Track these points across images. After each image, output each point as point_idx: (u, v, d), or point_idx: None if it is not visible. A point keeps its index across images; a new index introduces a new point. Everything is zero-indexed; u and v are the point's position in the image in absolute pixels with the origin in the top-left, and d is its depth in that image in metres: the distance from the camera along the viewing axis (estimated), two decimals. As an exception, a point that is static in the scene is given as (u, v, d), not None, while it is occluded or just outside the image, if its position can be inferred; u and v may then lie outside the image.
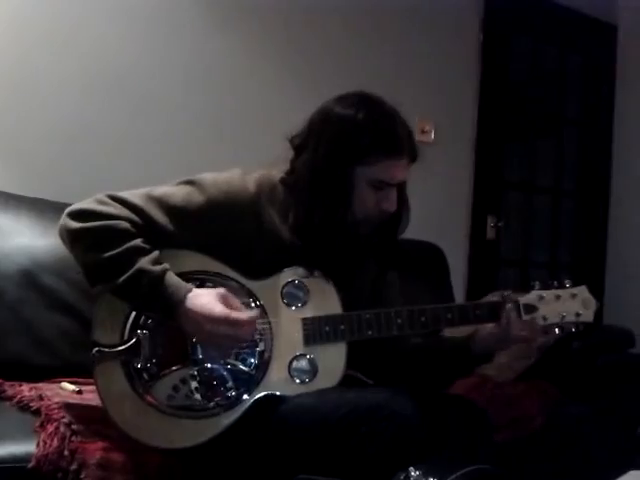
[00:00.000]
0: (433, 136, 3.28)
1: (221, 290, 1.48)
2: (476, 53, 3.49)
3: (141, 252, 1.46)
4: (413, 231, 2.90)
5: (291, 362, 1.53)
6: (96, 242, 1.45)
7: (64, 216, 1.50)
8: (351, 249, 1.62)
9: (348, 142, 1.54)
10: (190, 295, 1.46)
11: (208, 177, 1.57)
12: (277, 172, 1.65)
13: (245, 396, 1.50)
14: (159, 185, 1.58)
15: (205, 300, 1.45)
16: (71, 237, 1.48)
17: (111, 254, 1.44)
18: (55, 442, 1.41)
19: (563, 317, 1.62)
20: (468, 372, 1.81)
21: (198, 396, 1.48)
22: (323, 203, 1.55)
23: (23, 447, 1.40)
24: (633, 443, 2.52)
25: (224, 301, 1.46)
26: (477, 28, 3.48)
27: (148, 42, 2.61)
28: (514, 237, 3.83)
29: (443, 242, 3.07)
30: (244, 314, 1.47)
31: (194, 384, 1.49)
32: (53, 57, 2.42)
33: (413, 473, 1.31)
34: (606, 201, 3.95)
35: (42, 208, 2.14)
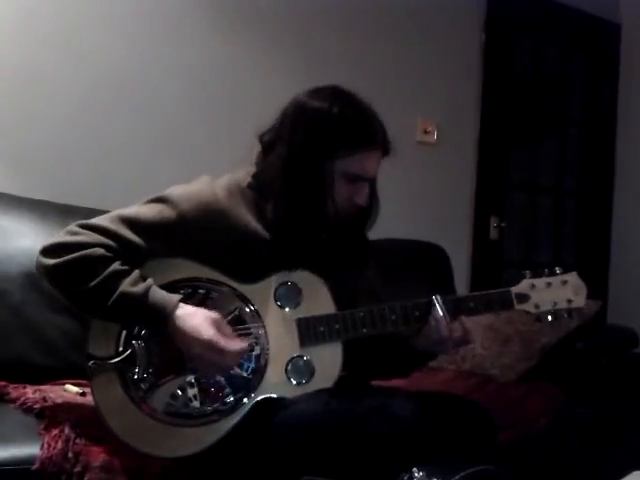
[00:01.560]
0: (436, 137, 3.27)
1: (215, 315, 1.47)
2: (479, 53, 3.48)
3: (121, 275, 1.45)
4: (416, 232, 2.94)
5: (288, 364, 1.53)
6: (75, 275, 1.45)
7: (38, 254, 1.49)
8: (327, 244, 1.62)
9: (323, 135, 1.54)
10: (179, 312, 1.45)
11: (178, 192, 1.55)
12: (244, 175, 1.63)
13: (244, 400, 1.49)
14: (132, 204, 1.56)
15: (196, 322, 1.44)
16: (49, 274, 1.47)
17: (92, 284, 1.43)
18: (59, 444, 1.41)
19: (555, 304, 1.63)
20: (415, 366, 1.81)
21: (196, 403, 1.48)
22: (300, 196, 1.55)
23: (27, 449, 1.41)
24: (637, 443, 2.52)
25: (216, 326, 1.45)
26: (479, 28, 3.47)
27: (152, 45, 2.61)
28: (517, 237, 3.82)
29: (446, 243, 3.06)
30: (232, 344, 1.46)
31: (192, 391, 1.48)
32: (57, 60, 2.43)
33: (417, 474, 1.31)
34: (609, 201, 3.94)
35: (45, 210, 2.14)
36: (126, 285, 1.44)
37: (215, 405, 1.48)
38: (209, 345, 1.43)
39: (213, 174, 1.63)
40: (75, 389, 1.83)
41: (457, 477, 1.33)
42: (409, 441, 1.39)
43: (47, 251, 1.47)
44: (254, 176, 1.62)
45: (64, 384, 1.87)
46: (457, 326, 1.57)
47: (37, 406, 1.60)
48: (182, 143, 2.66)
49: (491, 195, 3.55)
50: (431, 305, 1.57)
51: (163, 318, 1.44)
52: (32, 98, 2.39)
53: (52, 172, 2.41)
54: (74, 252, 1.45)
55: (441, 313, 1.56)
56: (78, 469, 1.39)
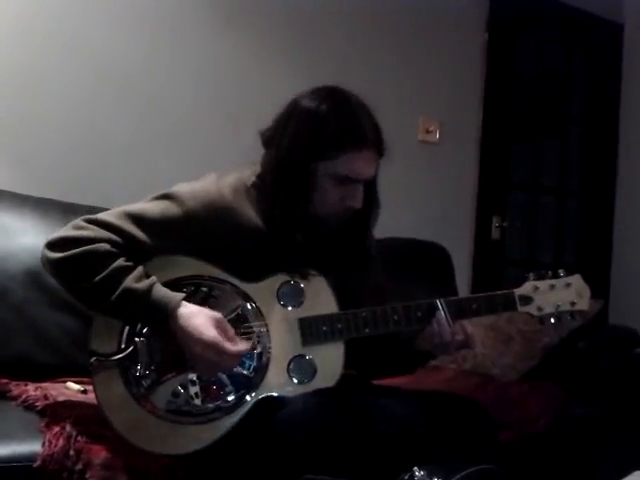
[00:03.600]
0: (438, 136, 3.27)
1: (217, 315, 1.47)
2: (481, 53, 3.48)
3: (125, 271, 1.46)
4: (418, 231, 2.93)
5: (289, 363, 1.53)
6: (80, 269, 1.45)
7: (43, 248, 1.49)
8: (321, 245, 1.61)
9: (310, 135, 1.54)
10: (182, 311, 1.45)
11: (184, 189, 1.56)
12: (249, 174, 1.63)
13: (245, 399, 1.50)
14: (134, 202, 1.57)
15: (199, 321, 1.44)
16: (54, 268, 1.48)
17: (97, 279, 1.44)
18: (61, 442, 1.41)
19: (558, 307, 1.62)
20: (416, 365, 1.80)
21: (198, 401, 1.48)
22: (282, 199, 1.55)
23: (29, 446, 1.41)
24: (638, 443, 2.52)
25: (218, 326, 1.45)
26: (482, 28, 3.47)
27: (155, 44, 2.61)
28: (519, 237, 3.82)
29: (448, 242, 3.06)
30: (234, 346, 1.45)
31: (193, 389, 1.48)
32: (59, 58, 2.43)
33: (417, 473, 1.31)
34: (611, 201, 3.94)
35: (47, 208, 2.14)
36: (130, 281, 1.44)
37: (216, 403, 1.49)
38: (211, 345, 1.43)
39: (217, 172, 1.63)
40: (76, 387, 1.83)
41: (458, 476, 1.33)
42: (409, 440, 1.39)
43: (52, 245, 1.48)
44: (258, 176, 1.62)
45: (65, 382, 1.87)
46: (459, 329, 1.57)
47: (38, 404, 1.60)
48: (185, 141, 2.66)
49: (493, 195, 3.54)
50: (434, 308, 1.57)
51: (165, 316, 1.44)
52: (35, 96, 2.39)
53: (55, 170, 2.41)
54: (79, 246, 1.45)
55: (443, 316, 1.56)
56: (79, 467, 1.39)
